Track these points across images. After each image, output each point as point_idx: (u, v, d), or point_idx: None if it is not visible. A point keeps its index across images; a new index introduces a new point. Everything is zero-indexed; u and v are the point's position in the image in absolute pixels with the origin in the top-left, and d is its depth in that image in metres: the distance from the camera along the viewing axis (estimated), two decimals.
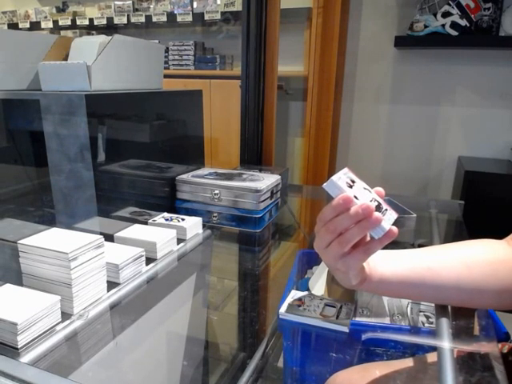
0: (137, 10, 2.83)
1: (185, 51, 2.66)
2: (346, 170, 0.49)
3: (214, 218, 1.10)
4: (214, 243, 1.05)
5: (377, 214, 0.45)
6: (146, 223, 0.97)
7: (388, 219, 0.48)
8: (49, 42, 1.01)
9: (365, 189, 0.49)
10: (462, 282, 0.53)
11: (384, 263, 0.55)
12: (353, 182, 0.48)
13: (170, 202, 1.13)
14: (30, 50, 0.98)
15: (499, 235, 0.59)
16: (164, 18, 2.69)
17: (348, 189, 0.47)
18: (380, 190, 0.50)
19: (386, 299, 0.69)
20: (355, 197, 0.46)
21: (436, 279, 0.54)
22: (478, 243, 0.58)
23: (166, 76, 1.22)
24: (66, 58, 1.01)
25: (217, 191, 1.08)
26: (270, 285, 0.90)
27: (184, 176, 1.13)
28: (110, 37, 0.94)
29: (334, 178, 0.47)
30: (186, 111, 1.20)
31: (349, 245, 0.48)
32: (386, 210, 0.49)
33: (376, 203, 0.48)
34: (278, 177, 1.20)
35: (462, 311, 0.59)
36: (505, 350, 0.58)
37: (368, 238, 0.49)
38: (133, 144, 0.99)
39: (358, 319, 0.63)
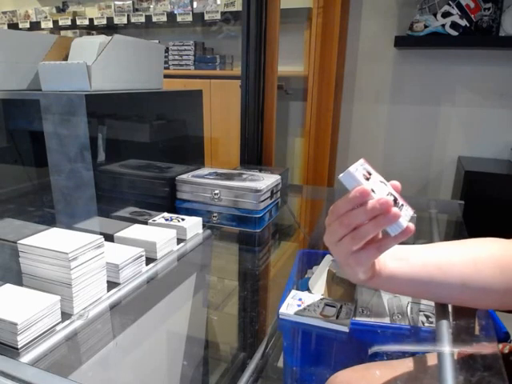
0: (137, 9, 2.83)
1: (185, 51, 2.66)
2: (362, 161, 0.46)
3: (214, 218, 1.10)
4: (213, 243, 1.05)
5: (395, 210, 0.43)
6: (146, 223, 0.97)
7: (405, 215, 0.45)
8: (49, 42, 1.01)
9: (381, 182, 0.46)
10: (468, 281, 0.53)
11: (394, 260, 0.54)
12: (369, 174, 0.45)
13: (170, 202, 1.13)
14: (30, 50, 0.97)
15: (499, 235, 0.59)
16: (164, 18, 2.69)
17: (365, 181, 0.44)
18: (396, 183, 0.47)
19: (385, 299, 0.69)
20: (372, 190, 0.43)
21: (444, 278, 0.53)
22: (487, 242, 0.57)
23: (165, 76, 1.22)
24: (66, 58, 1.01)
25: (217, 191, 1.08)
26: (269, 285, 0.90)
27: (184, 176, 1.13)
28: (110, 37, 0.94)
29: (350, 168, 0.44)
30: (186, 111, 1.20)
31: (363, 241, 0.45)
32: (403, 205, 0.46)
33: (393, 198, 0.45)
34: (278, 177, 1.20)
35: (463, 311, 0.59)
36: (505, 351, 0.58)
37: (381, 235, 0.47)
38: (133, 144, 0.99)
39: (357, 319, 0.63)
